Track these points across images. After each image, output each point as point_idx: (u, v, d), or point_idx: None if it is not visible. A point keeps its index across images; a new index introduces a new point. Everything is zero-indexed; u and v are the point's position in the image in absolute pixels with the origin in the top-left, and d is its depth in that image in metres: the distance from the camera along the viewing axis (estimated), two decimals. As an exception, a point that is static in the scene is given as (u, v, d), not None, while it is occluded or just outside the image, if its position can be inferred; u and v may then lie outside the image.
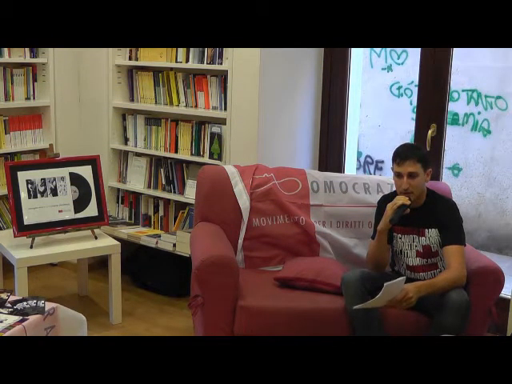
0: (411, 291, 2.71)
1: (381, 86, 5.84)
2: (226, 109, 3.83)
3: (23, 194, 3.55)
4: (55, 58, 4.27)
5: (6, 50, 4.05)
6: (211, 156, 3.91)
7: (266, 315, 2.87)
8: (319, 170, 3.94)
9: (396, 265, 3.10)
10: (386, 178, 3.54)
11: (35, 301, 2.56)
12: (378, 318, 2.82)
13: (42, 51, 4.25)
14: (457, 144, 5.52)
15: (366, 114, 5.85)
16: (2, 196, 4.17)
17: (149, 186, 4.29)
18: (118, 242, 3.74)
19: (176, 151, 4.11)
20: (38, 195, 3.60)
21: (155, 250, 4.09)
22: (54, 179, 3.66)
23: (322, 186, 3.47)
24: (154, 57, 4.11)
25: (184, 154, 4.07)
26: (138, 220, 4.36)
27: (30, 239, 3.53)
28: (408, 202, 2.89)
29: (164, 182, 4.21)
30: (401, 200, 2.89)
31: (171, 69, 4.10)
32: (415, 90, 4.01)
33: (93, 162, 3.79)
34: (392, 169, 3.03)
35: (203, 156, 3.98)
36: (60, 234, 3.66)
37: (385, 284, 2.63)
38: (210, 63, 3.86)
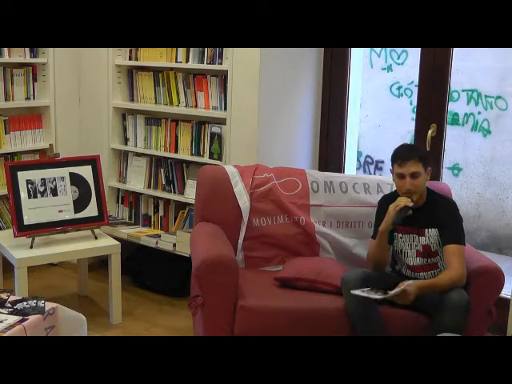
0: (411, 292, 2.71)
1: (381, 86, 5.83)
2: (226, 109, 3.83)
3: (23, 194, 3.55)
4: (55, 58, 4.27)
5: (5, 49, 4.05)
6: (211, 156, 3.91)
7: (266, 315, 2.87)
8: (319, 169, 3.93)
9: (397, 264, 3.10)
10: (386, 178, 3.53)
11: (35, 301, 2.55)
12: (378, 318, 2.82)
13: (42, 51, 4.25)
14: (457, 144, 5.52)
15: (366, 114, 5.85)
16: (2, 196, 4.17)
17: (149, 186, 4.29)
18: (118, 242, 3.73)
19: (176, 151, 4.10)
20: (38, 195, 3.60)
21: (155, 250, 4.09)
22: (54, 179, 3.66)
23: (321, 186, 3.47)
24: (154, 57, 4.11)
25: (184, 154, 4.07)
26: (138, 220, 4.35)
27: (30, 239, 3.53)
28: (410, 204, 2.89)
29: (164, 182, 4.21)
30: (403, 202, 2.89)
31: (171, 69, 4.10)
32: (415, 90, 4.00)
33: (93, 162, 3.79)
34: (391, 170, 3.02)
35: (203, 156, 3.98)
36: (60, 233, 3.66)
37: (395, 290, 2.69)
38: (210, 63, 3.86)
